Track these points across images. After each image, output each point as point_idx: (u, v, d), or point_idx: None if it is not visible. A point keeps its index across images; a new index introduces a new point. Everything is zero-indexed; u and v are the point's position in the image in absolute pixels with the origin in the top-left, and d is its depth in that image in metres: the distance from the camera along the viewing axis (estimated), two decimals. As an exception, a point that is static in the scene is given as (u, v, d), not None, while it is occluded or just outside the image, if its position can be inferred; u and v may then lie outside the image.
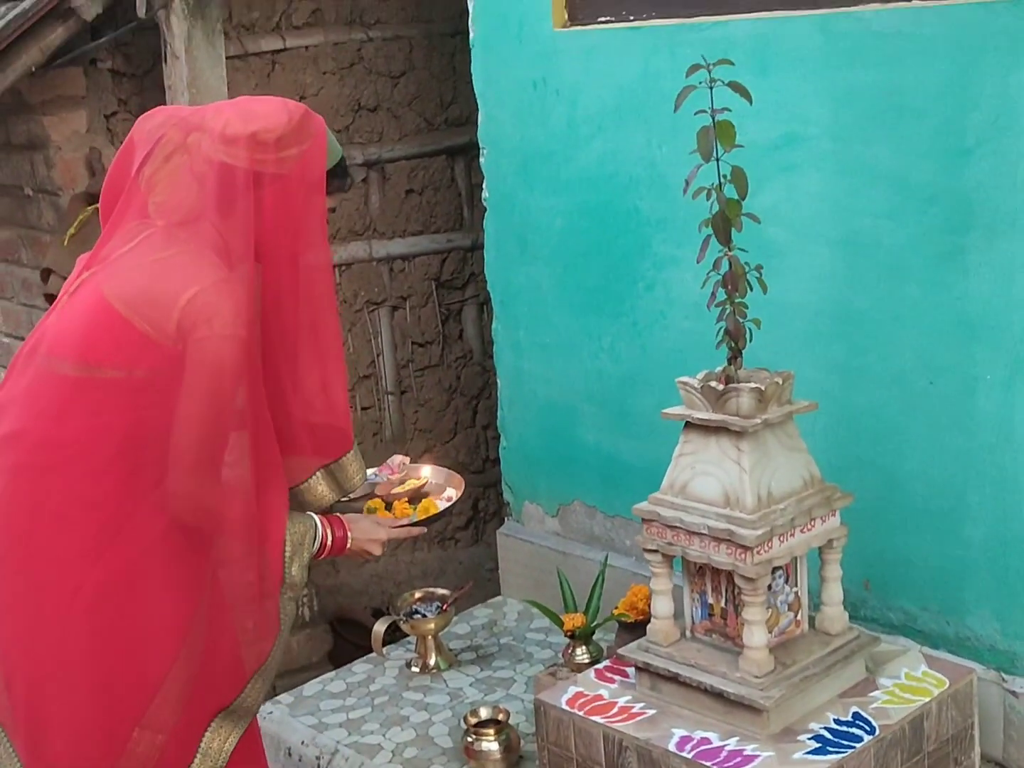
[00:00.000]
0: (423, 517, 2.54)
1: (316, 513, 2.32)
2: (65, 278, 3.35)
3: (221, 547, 2.15)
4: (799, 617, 2.38)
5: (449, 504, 2.62)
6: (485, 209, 3.32)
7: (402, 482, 2.67)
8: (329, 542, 2.31)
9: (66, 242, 3.36)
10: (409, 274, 4.18)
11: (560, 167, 3.08)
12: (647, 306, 2.95)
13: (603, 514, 3.18)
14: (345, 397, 2.30)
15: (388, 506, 2.59)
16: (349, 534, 2.34)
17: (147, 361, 2.09)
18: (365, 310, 4.13)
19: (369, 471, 2.64)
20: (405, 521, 2.50)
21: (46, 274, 3.44)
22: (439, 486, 2.69)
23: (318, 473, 2.31)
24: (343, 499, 2.45)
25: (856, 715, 2.29)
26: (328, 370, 2.26)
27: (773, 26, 2.61)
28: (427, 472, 2.71)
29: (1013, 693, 2.44)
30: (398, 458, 2.73)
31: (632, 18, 2.89)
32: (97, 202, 3.48)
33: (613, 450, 3.10)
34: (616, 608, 2.81)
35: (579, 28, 3.00)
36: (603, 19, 2.96)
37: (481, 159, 3.29)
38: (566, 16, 3.04)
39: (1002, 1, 2.27)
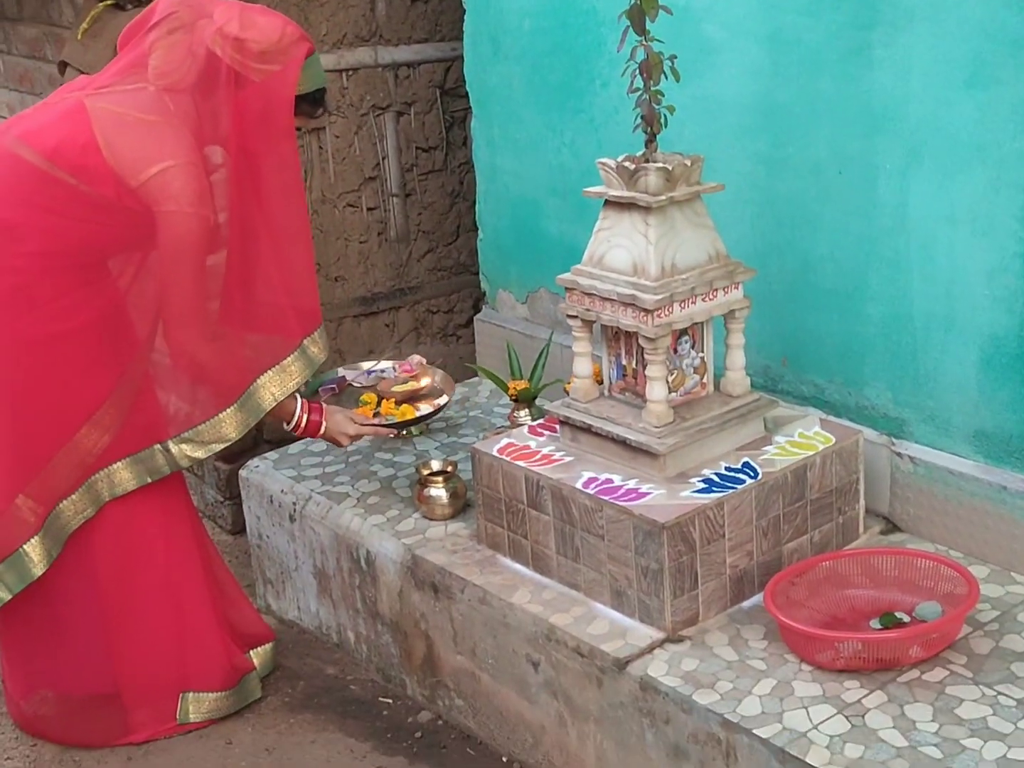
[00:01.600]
0: (399, 420, 2.94)
1: (303, 397, 2.75)
2: (80, 70, 3.63)
3: (181, 380, 2.61)
4: (705, 380, 2.64)
5: (427, 412, 3.00)
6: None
7: (406, 382, 3.08)
8: (303, 423, 2.74)
9: (80, 36, 3.61)
10: (414, 81, 4.36)
11: (530, -31, 3.25)
12: (603, 103, 3.13)
13: (564, 300, 3.43)
14: (315, 282, 2.70)
15: (379, 401, 3.01)
16: (324, 422, 2.77)
17: (102, 186, 2.41)
18: (371, 114, 4.33)
19: (386, 363, 3.15)
20: (376, 421, 2.89)
21: (63, 66, 3.69)
22: (437, 390, 3.08)
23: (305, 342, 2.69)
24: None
25: (746, 464, 2.56)
26: (301, 259, 2.64)
27: None
28: (428, 379, 3.10)
29: (899, 455, 2.69)
30: (416, 358, 3.16)
31: None
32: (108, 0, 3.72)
33: (574, 240, 3.30)
34: (567, 382, 3.10)
35: None
36: None
37: (461, -37, 3.47)
38: None
39: None
